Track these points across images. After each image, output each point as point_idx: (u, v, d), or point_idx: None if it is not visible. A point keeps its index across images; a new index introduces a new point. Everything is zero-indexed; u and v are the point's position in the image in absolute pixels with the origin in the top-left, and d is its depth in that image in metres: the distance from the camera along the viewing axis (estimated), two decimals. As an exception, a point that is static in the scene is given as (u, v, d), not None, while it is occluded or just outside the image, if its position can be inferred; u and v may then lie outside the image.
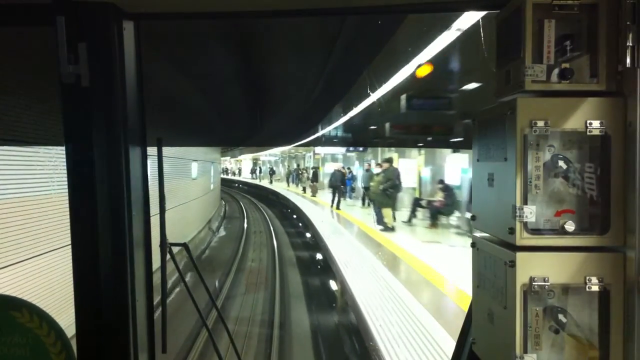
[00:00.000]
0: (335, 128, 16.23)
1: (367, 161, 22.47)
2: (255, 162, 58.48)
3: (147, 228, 1.50)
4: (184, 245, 1.65)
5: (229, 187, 44.59)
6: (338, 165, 23.42)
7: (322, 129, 16.46)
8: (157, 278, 1.60)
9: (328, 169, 31.33)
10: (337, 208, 19.72)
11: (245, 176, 57.00)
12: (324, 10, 1.38)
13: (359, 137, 17.40)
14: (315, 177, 28.71)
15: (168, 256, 1.57)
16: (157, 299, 1.56)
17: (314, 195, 26.61)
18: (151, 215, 1.53)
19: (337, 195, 20.16)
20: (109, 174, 1.37)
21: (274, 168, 48.31)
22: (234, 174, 65.58)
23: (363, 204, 20.21)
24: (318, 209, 20.95)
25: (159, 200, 1.54)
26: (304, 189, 30.44)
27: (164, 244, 1.53)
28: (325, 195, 26.51)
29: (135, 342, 1.42)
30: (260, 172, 52.76)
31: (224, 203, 30.45)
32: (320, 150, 27.48)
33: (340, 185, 20.75)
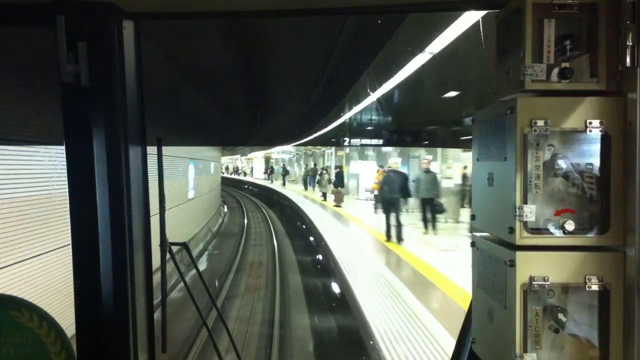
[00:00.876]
0: (370, 107, 12.59)
1: (419, 158, 17.17)
2: (267, 160, 58.59)
3: (147, 228, 1.69)
4: (184, 245, 1.85)
5: (239, 188, 44.29)
6: (393, 164, 14.95)
7: (348, 110, 13.87)
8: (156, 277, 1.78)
9: (354, 168, 28.21)
10: (388, 239, 13.00)
11: (258, 176, 57.11)
12: (324, 10, 1.56)
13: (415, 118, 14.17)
14: (340, 180, 24.79)
15: (168, 256, 1.77)
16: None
17: (338, 205, 22.63)
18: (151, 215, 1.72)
19: (394, 216, 12.86)
20: (109, 173, 1.54)
21: (288, 168, 47.32)
22: (245, 174, 66.14)
23: (425, 226, 14.48)
24: (350, 235, 15.82)
25: (159, 200, 1.74)
26: (324, 195, 27.08)
27: (164, 244, 1.73)
28: (351, 205, 22.65)
29: (135, 342, 1.61)
30: (272, 172, 52.34)
31: (225, 210, 28.00)
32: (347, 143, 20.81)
33: (401, 197, 12.99)
